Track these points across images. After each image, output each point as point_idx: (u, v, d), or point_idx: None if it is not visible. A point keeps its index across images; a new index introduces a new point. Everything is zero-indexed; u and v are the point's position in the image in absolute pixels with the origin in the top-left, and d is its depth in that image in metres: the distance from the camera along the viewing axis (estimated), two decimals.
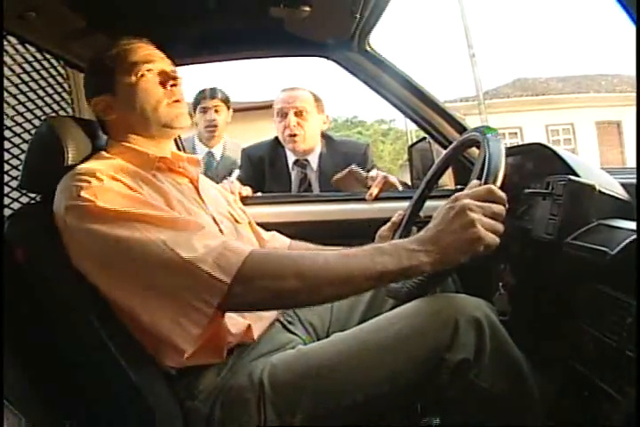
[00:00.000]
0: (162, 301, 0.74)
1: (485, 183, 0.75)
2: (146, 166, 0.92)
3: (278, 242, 1.22)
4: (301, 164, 1.85)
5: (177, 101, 0.95)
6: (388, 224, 1.10)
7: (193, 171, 1.01)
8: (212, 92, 2.19)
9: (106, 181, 0.80)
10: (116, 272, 0.77)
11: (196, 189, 1.00)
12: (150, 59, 0.95)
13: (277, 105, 1.81)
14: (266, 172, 1.87)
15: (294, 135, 1.77)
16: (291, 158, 1.85)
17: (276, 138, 1.88)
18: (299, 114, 1.76)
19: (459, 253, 0.70)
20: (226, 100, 2.24)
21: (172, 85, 0.95)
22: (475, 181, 0.76)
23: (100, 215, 0.76)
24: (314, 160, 1.85)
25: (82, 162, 0.90)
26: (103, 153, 0.94)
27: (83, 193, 0.78)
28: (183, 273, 0.72)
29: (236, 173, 1.85)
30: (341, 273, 0.71)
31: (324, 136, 1.89)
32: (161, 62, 0.96)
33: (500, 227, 0.71)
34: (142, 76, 0.93)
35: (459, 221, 0.70)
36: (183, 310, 0.73)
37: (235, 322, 0.87)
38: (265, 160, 1.87)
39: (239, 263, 0.72)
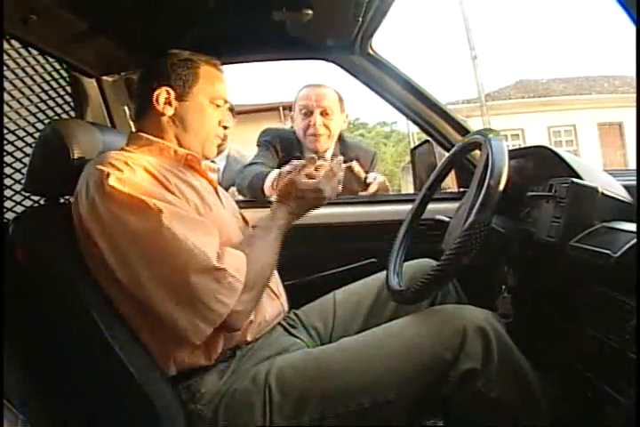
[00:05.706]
0: (184, 297, 0.77)
1: (488, 185, 0.75)
2: (173, 162, 0.93)
3: None
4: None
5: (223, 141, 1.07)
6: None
7: (211, 174, 1.02)
8: None
9: (138, 172, 0.81)
10: (142, 263, 0.77)
11: (216, 190, 1.02)
12: (226, 96, 1.01)
13: (302, 101, 1.74)
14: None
15: (319, 135, 1.72)
16: (308, 154, 1.78)
17: (294, 132, 1.83)
18: (324, 113, 1.71)
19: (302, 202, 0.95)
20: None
21: (224, 127, 1.02)
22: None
23: (132, 205, 0.76)
24: (327, 158, 1.78)
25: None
26: (126, 148, 0.93)
27: (113, 180, 0.78)
28: (211, 276, 0.77)
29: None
30: (271, 260, 0.90)
31: (338, 135, 1.85)
32: (228, 102, 1.03)
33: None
34: (217, 106, 0.99)
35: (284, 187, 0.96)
36: (201, 310, 0.77)
37: None
38: (278, 149, 1.82)
39: (244, 272, 0.82)
